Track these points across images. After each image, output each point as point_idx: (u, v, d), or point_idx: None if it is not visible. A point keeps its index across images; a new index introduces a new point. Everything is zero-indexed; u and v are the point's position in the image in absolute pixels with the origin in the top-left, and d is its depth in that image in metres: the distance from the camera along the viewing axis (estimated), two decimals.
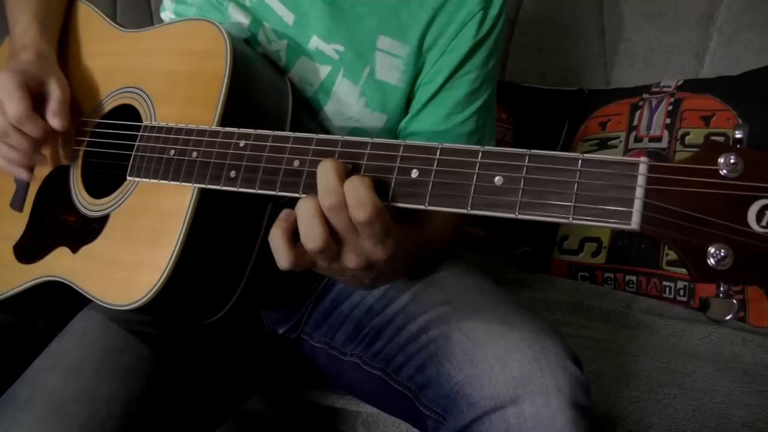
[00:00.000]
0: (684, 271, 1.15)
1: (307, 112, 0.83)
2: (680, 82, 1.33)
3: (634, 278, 1.21)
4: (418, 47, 0.82)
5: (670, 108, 1.29)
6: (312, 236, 0.57)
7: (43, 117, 0.78)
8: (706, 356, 0.96)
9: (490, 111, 0.88)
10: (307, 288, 0.88)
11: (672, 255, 1.18)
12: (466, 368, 0.64)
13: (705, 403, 0.85)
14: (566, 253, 1.31)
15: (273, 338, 0.91)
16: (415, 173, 0.56)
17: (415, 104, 0.84)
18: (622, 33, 1.47)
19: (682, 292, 1.16)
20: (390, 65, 0.82)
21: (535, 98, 1.52)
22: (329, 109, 0.83)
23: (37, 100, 0.78)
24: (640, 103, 1.35)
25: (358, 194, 0.55)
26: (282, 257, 0.59)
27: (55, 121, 0.78)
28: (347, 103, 0.82)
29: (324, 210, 0.57)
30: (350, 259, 0.59)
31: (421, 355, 0.69)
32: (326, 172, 0.57)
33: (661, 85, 1.35)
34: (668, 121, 1.29)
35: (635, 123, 1.33)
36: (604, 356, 0.96)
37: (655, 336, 1.03)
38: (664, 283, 1.18)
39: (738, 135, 0.48)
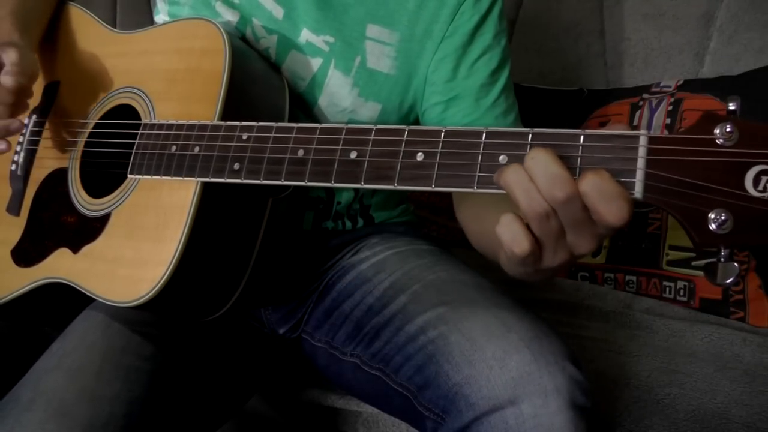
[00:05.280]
0: (684, 271, 1.16)
1: (300, 107, 0.83)
2: (680, 82, 1.32)
3: (634, 278, 1.21)
4: (409, 33, 0.82)
5: (671, 108, 1.29)
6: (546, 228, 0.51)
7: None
8: (706, 356, 0.96)
9: (513, 91, 0.87)
10: (308, 285, 0.88)
11: (672, 255, 1.18)
12: (464, 369, 0.64)
13: (705, 403, 0.85)
14: None
15: (273, 338, 0.91)
16: (420, 156, 0.57)
17: (434, 99, 0.83)
18: (622, 33, 1.46)
19: (682, 292, 1.16)
20: (380, 53, 0.82)
21: (534, 98, 1.51)
22: (323, 102, 0.83)
23: None
24: (640, 103, 1.34)
25: (607, 191, 0.49)
26: (524, 241, 0.52)
27: (6, 79, 0.74)
28: (340, 94, 0.82)
29: (555, 204, 0.50)
30: (584, 244, 0.53)
31: (419, 356, 0.69)
32: (546, 160, 0.50)
33: (661, 85, 1.35)
34: (668, 121, 1.29)
35: (635, 123, 1.33)
36: (604, 356, 0.96)
37: (655, 336, 1.03)
38: (664, 283, 1.18)
39: (732, 106, 0.49)
